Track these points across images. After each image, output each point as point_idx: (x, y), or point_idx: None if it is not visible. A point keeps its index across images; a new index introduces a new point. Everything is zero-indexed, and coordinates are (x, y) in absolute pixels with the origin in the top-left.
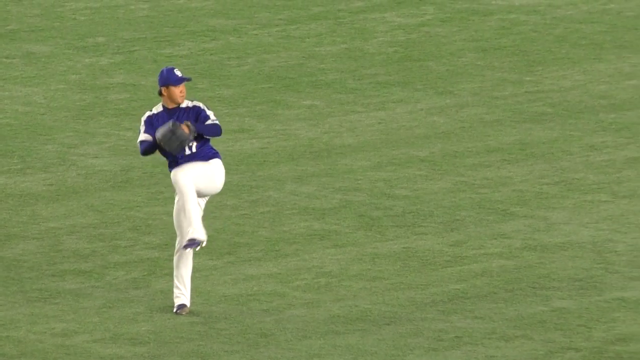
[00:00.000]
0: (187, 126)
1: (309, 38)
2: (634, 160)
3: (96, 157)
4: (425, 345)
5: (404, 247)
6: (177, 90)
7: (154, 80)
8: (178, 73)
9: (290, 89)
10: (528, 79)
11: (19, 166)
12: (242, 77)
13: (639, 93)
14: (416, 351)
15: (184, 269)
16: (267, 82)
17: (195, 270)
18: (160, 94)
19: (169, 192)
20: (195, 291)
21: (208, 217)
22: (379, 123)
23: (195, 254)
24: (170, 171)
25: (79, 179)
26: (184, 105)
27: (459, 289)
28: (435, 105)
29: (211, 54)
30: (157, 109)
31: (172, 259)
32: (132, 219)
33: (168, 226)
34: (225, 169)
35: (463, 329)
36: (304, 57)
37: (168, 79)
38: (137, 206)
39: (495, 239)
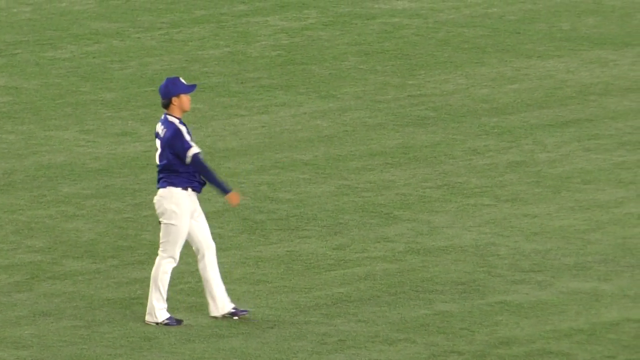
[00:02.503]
0: None
1: (192, 41)
2: (516, 164)
3: None
4: (309, 349)
5: (287, 251)
6: (188, 99)
7: (36, 83)
8: (184, 81)
9: None
10: (411, 82)
11: None
12: (125, 81)
13: (521, 97)
14: (300, 354)
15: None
16: (149, 86)
17: (78, 274)
18: (169, 104)
19: (52, 195)
20: (78, 295)
21: (91, 221)
22: (263, 126)
23: (77, 258)
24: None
25: None
26: None
27: (342, 293)
28: (319, 108)
29: (94, 57)
30: (174, 120)
31: (56, 262)
32: (14, 222)
33: (50, 229)
34: (109, 172)
35: (346, 333)
36: (187, 60)
37: (181, 88)
38: (20, 209)
39: (379, 242)
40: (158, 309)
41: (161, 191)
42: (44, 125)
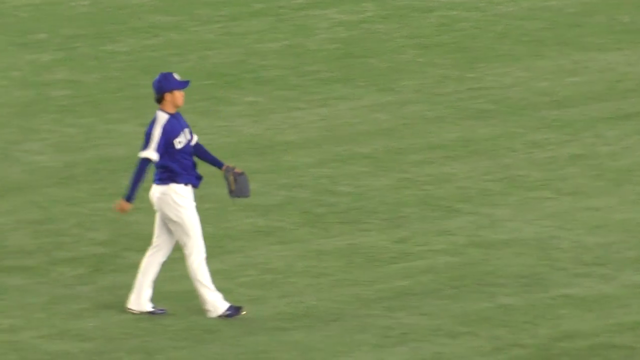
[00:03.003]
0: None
1: (250, 34)
2: (577, 157)
3: (40, 153)
4: (371, 342)
5: (348, 244)
6: (181, 95)
7: (96, 77)
8: (177, 77)
9: (232, 85)
10: (470, 75)
11: None
12: (184, 74)
13: (581, 90)
14: (363, 347)
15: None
16: (209, 79)
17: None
18: (162, 100)
19: (113, 188)
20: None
21: (152, 213)
22: (322, 120)
23: (139, 251)
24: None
25: (23, 175)
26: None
27: (404, 286)
28: (378, 101)
29: (152, 51)
30: (162, 115)
31: (118, 255)
32: (76, 215)
33: (112, 222)
34: None
35: (409, 326)
36: (245, 53)
37: (174, 84)
38: (82, 202)
39: (440, 235)
40: (217, 301)
41: (162, 188)
42: (103, 119)
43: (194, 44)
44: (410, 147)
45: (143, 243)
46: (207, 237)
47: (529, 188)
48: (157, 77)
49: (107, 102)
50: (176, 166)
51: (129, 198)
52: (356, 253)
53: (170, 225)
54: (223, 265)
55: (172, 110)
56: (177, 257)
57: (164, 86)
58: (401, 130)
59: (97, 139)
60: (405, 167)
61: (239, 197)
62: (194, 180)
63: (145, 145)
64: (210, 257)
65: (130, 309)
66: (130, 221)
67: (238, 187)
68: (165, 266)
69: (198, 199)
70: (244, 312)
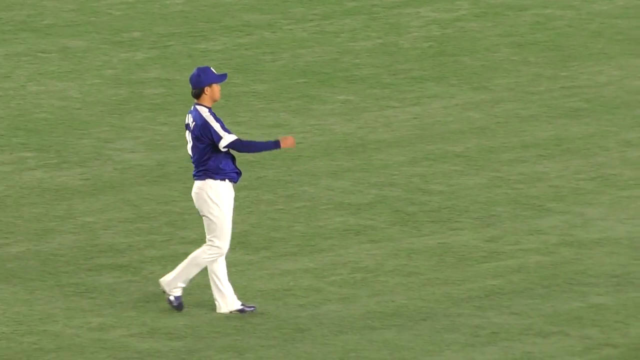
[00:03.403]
0: None
1: (343, 33)
2: None
3: (132, 151)
4: (461, 341)
5: (439, 243)
6: (219, 89)
7: (189, 75)
8: (215, 71)
9: (325, 84)
10: (563, 74)
11: (55, 161)
12: (277, 72)
13: None
14: (453, 347)
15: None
16: (301, 77)
17: (231, 265)
18: (201, 94)
19: None
20: (232, 286)
21: (244, 212)
22: (414, 118)
23: (230, 249)
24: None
25: (115, 174)
26: None
27: (495, 285)
28: (471, 100)
29: (246, 49)
30: (203, 109)
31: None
32: (168, 213)
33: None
34: (261, 164)
35: (499, 325)
36: (338, 52)
37: (212, 78)
38: (173, 201)
39: (532, 234)
40: (229, 299)
41: (199, 183)
42: None
43: (287, 42)
44: (503, 145)
45: (234, 241)
46: (298, 236)
47: (621, 187)
48: (194, 71)
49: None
50: (216, 161)
51: (276, 144)
52: (447, 252)
53: (204, 219)
54: (313, 263)
55: (210, 104)
56: (267, 257)
57: (202, 80)
58: (494, 128)
59: None
60: (498, 165)
61: None
62: (234, 176)
63: (211, 137)
64: (301, 256)
65: (223, 312)
66: None
67: None
68: (255, 265)
69: (287, 198)
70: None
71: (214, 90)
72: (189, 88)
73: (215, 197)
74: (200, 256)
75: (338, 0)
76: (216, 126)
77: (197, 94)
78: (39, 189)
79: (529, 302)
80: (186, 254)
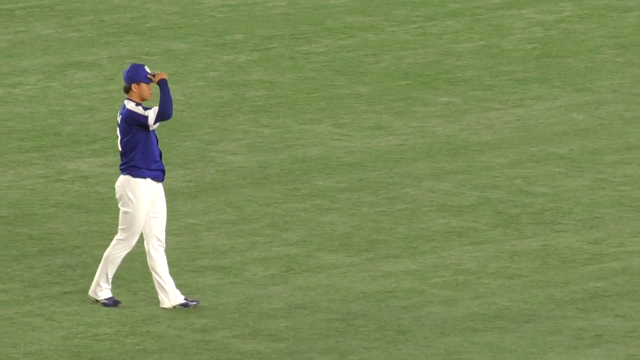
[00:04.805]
0: None
1: (446, 35)
2: None
3: (234, 153)
4: (565, 343)
5: (542, 245)
6: (149, 88)
7: (291, 77)
8: (148, 70)
9: (428, 85)
10: None
11: None
12: (379, 74)
13: None
14: (556, 349)
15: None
16: (404, 79)
17: (333, 267)
18: (129, 90)
19: (307, 188)
20: (333, 287)
21: (345, 214)
22: (517, 120)
23: (332, 251)
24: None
25: (218, 176)
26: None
27: (599, 287)
28: (574, 102)
29: (348, 51)
30: (129, 103)
31: (311, 255)
32: (270, 215)
33: (305, 223)
34: (363, 166)
35: (603, 327)
36: (441, 54)
37: (141, 77)
38: (275, 202)
39: (636, 236)
40: (101, 288)
41: (121, 178)
42: (298, 119)
43: (390, 44)
44: (607, 147)
45: (336, 243)
46: (400, 238)
47: None
48: (128, 66)
49: (302, 102)
50: (141, 158)
51: (163, 84)
52: (550, 254)
53: (120, 212)
54: (415, 266)
55: (139, 102)
56: (369, 258)
57: (132, 77)
58: (598, 130)
59: (292, 139)
60: (602, 167)
61: None
62: (159, 174)
63: (143, 118)
64: (403, 258)
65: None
66: (323, 222)
67: None
68: (357, 267)
69: (390, 200)
70: (121, 305)
71: (142, 89)
72: (291, 90)
73: (133, 195)
74: (109, 255)
75: (441, 2)
76: (138, 109)
77: (126, 89)
78: None
79: (634, 304)
80: (288, 256)
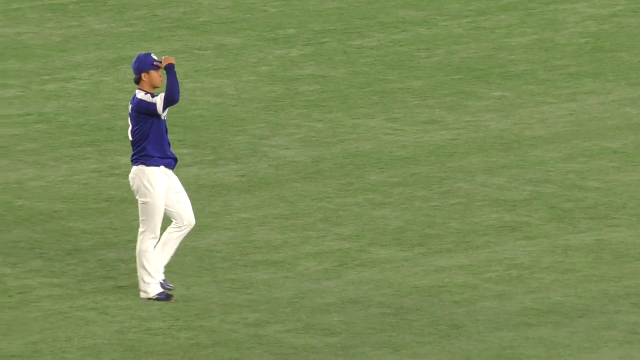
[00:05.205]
0: None
1: (499, 29)
2: None
3: (287, 148)
4: (619, 338)
5: (596, 240)
6: (159, 74)
7: (343, 72)
8: (155, 57)
9: (480, 80)
10: None
11: (211, 157)
12: (432, 69)
13: None
14: (610, 344)
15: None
16: (456, 74)
17: (386, 261)
18: (139, 80)
19: (359, 183)
20: (385, 282)
21: (398, 209)
22: (570, 114)
23: (385, 246)
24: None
25: (270, 170)
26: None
27: None
28: (628, 96)
29: (401, 45)
30: (139, 92)
31: (364, 250)
32: (323, 209)
33: (358, 217)
34: (415, 160)
35: None
36: (493, 48)
37: (149, 65)
38: (328, 197)
39: None
40: (149, 285)
41: (134, 169)
42: (351, 114)
43: (442, 38)
44: None
45: (389, 238)
46: (453, 232)
47: None
48: (135, 57)
49: (354, 97)
50: (153, 147)
51: (170, 69)
52: (604, 249)
53: (138, 203)
54: (469, 260)
55: (150, 90)
56: (422, 253)
57: (140, 67)
58: None
59: (344, 133)
60: None
61: None
62: (171, 162)
63: (148, 108)
64: (456, 252)
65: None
66: (376, 216)
67: None
68: (410, 262)
69: (442, 194)
70: (174, 299)
71: (152, 77)
72: (344, 85)
73: (149, 184)
74: (140, 251)
75: None
76: (147, 97)
77: (136, 80)
78: (195, 185)
79: None
80: (341, 250)
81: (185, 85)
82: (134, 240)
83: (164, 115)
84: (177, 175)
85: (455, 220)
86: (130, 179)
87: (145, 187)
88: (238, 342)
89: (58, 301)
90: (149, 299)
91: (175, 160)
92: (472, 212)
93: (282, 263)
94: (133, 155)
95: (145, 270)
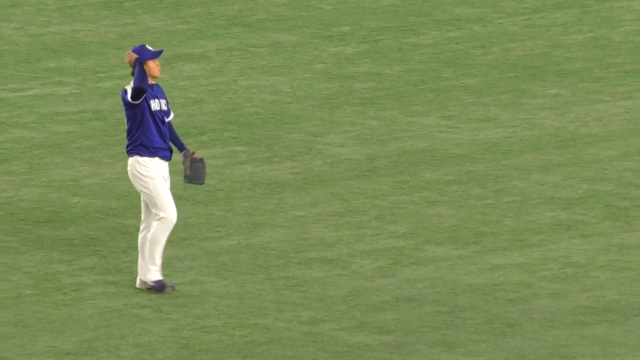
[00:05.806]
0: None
1: (554, 27)
2: None
3: (342, 145)
4: None
5: None
6: (156, 65)
7: (399, 69)
8: (151, 48)
9: (536, 78)
10: None
11: (266, 155)
12: (487, 66)
13: None
14: None
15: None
16: (512, 71)
17: (440, 259)
18: None
19: (414, 180)
20: (440, 280)
21: (453, 207)
22: (626, 112)
23: (439, 244)
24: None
25: (325, 168)
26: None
27: None
28: None
29: (456, 43)
30: (129, 87)
31: (419, 248)
32: (377, 207)
33: (413, 215)
34: (471, 158)
35: None
36: (549, 45)
37: (146, 55)
38: (383, 195)
39: None
40: (151, 271)
41: (130, 160)
42: (406, 111)
43: (498, 36)
44: None
45: (444, 236)
46: (508, 231)
47: None
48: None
49: (409, 94)
50: (147, 138)
51: (140, 66)
52: None
53: (142, 195)
54: (524, 258)
55: (150, 81)
56: (477, 251)
57: (139, 59)
58: None
59: (399, 131)
60: None
61: (192, 182)
62: (166, 154)
63: (124, 91)
64: (511, 250)
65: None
66: (430, 214)
67: (193, 172)
68: (465, 260)
69: (497, 192)
70: (171, 289)
71: (150, 68)
72: (399, 83)
73: (146, 172)
74: (155, 234)
75: None
76: (128, 88)
77: (133, 72)
78: (250, 182)
79: None
80: (395, 248)
81: (240, 83)
82: (189, 238)
83: (154, 107)
84: (232, 172)
85: (510, 219)
86: (128, 171)
87: (141, 177)
88: (292, 340)
89: (113, 299)
90: (148, 288)
91: (171, 151)
92: (527, 210)
93: (337, 261)
94: (128, 146)
95: (153, 258)
